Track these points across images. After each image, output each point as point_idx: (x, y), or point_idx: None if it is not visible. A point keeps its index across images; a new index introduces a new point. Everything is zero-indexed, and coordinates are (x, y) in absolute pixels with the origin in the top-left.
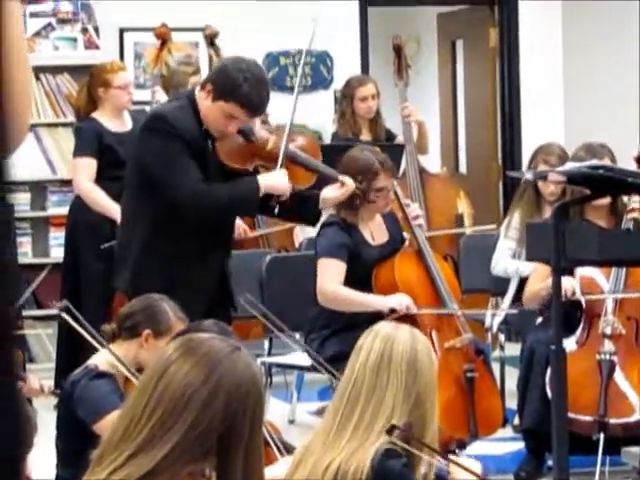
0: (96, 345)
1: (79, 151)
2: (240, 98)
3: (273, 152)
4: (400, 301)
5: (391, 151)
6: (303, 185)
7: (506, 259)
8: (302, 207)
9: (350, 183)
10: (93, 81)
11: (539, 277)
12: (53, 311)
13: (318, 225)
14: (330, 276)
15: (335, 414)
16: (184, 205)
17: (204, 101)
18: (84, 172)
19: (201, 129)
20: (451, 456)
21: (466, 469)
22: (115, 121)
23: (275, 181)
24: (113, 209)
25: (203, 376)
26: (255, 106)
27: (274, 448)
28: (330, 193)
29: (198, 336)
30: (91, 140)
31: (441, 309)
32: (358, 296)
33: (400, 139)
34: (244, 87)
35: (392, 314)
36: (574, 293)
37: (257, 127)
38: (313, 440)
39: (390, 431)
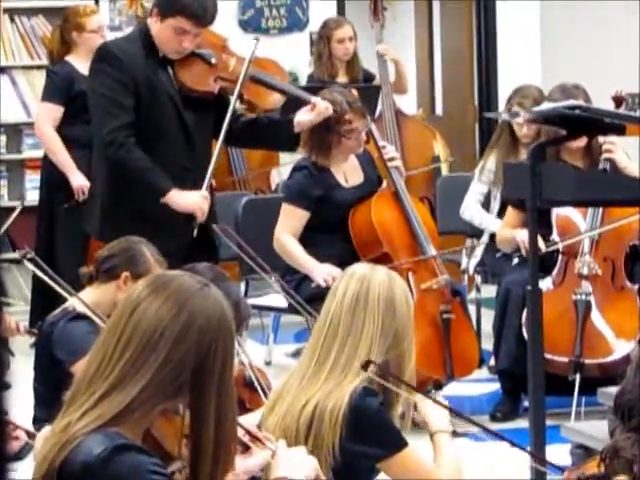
0: (62, 293)
1: (46, 96)
2: (184, 9)
3: (235, 73)
4: (331, 272)
5: (367, 93)
6: (270, 107)
7: (474, 207)
8: (275, 131)
9: (323, 104)
10: (67, 25)
11: (510, 220)
12: (14, 255)
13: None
14: (287, 224)
15: (312, 354)
16: (102, 147)
17: (155, 25)
18: (48, 117)
19: (157, 58)
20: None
21: (436, 402)
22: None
23: (184, 201)
24: (67, 164)
25: (174, 312)
26: (200, 14)
27: (261, 394)
28: (303, 116)
29: (167, 273)
30: (60, 86)
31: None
32: (299, 257)
33: (378, 80)
34: None
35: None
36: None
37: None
38: (289, 380)
39: (365, 366)
